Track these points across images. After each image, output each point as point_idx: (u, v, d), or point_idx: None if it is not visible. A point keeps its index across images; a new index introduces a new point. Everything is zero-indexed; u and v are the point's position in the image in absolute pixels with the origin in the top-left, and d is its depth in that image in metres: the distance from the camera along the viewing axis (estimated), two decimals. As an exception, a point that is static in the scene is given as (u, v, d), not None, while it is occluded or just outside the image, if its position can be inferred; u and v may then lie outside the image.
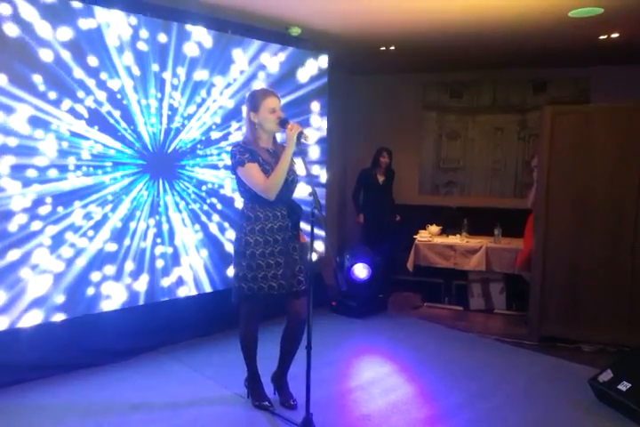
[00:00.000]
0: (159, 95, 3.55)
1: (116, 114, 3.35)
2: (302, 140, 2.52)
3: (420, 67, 5.89)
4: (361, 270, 4.60)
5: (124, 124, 3.39)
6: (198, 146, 3.82)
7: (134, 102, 3.42)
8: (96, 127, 3.26)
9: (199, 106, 3.78)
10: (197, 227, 3.85)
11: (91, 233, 3.29)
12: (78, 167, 3.21)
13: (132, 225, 3.49)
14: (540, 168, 3.96)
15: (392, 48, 4.96)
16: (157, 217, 3.62)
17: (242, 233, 2.62)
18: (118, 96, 3.34)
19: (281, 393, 2.83)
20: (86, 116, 3.21)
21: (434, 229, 5.28)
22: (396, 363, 3.51)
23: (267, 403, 2.76)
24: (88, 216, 3.27)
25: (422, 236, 5.16)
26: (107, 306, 3.39)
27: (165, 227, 3.67)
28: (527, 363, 3.54)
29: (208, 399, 2.88)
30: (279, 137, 2.78)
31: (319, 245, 4.65)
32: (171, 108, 3.62)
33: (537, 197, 3.99)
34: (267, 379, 2.87)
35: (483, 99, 6.07)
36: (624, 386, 2.75)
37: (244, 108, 2.68)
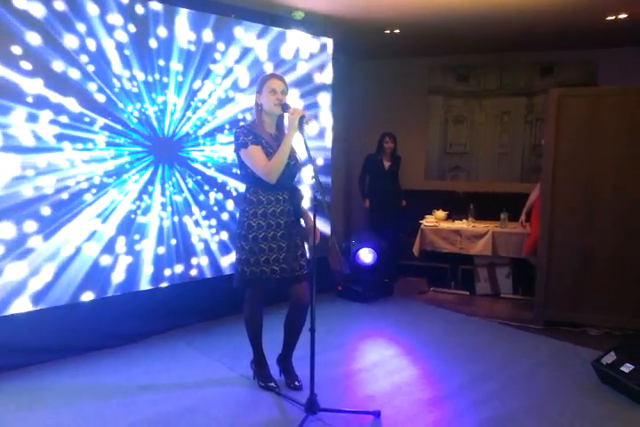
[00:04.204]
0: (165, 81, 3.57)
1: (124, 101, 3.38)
2: (305, 125, 2.52)
3: (425, 50, 5.83)
4: (366, 255, 4.61)
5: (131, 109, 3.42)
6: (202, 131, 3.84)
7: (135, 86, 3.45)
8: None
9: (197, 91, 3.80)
10: (212, 212, 3.89)
11: (102, 218, 3.34)
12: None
13: (141, 217, 3.54)
14: (545, 152, 3.92)
15: (397, 31, 4.91)
16: (165, 200, 3.65)
17: (244, 217, 2.64)
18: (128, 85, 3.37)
19: (286, 375, 2.87)
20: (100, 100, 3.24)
21: (440, 214, 5.28)
22: (401, 346, 3.54)
23: (272, 384, 2.81)
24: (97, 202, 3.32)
25: (428, 221, 5.17)
26: (117, 290, 3.44)
27: (174, 212, 3.70)
28: (532, 346, 3.55)
29: (215, 381, 2.94)
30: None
31: (323, 230, 4.66)
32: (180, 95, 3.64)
33: (541, 182, 3.95)
34: (272, 361, 2.92)
35: (489, 82, 6.00)
36: (627, 368, 2.76)
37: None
